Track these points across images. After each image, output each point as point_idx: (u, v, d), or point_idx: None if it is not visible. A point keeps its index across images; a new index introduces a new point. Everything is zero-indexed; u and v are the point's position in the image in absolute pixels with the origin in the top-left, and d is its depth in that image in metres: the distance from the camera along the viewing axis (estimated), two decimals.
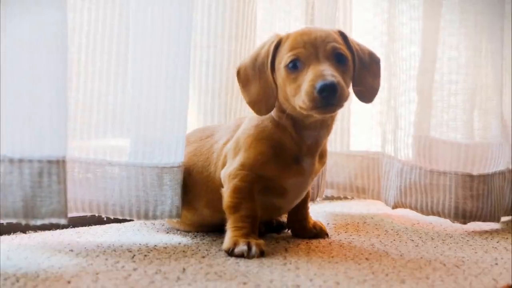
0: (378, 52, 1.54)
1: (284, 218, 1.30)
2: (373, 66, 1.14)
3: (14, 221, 0.98)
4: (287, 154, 1.11)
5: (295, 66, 1.04)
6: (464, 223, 1.40)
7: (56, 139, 1.00)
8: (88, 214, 1.16)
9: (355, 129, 1.66)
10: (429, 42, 1.46)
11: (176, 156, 1.15)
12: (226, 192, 1.11)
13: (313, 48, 1.04)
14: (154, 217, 1.15)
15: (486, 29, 1.45)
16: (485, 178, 1.40)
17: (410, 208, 1.45)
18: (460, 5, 1.45)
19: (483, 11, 1.44)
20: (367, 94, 1.12)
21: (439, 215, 1.42)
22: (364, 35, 1.60)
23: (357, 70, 1.10)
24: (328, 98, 0.99)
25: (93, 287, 0.85)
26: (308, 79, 1.01)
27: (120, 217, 1.16)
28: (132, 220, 1.30)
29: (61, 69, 1.00)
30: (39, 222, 0.99)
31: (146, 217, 1.15)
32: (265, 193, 1.12)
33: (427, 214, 1.43)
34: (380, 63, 1.16)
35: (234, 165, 1.10)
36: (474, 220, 1.40)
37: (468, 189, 1.39)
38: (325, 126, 1.12)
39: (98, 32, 1.15)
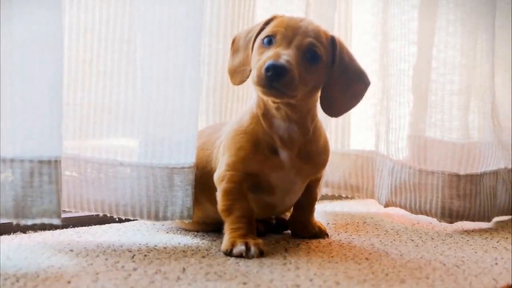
0: (377, 52, 1.56)
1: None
2: (358, 86, 1.13)
3: (5, 220, 0.99)
4: (263, 145, 1.10)
5: (269, 42, 1.06)
6: (451, 222, 1.40)
7: (48, 139, 0.99)
8: (101, 214, 1.16)
9: (353, 129, 1.65)
10: (424, 42, 1.46)
11: (187, 156, 1.15)
12: (218, 196, 1.11)
13: (292, 34, 1.05)
14: (165, 218, 1.15)
15: (479, 29, 1.44)
16: (472, 178, 1.40)
17: (400, 207, 1.46)
18: (456, 5, 1.44)
19: (478, 11, 1.44)
20: (334, 106, 1.12)
21: (427, 214, 1.42)
22: (363, 35, 1.60)
23: (334, 79, 1.09)
24: (272, 79, 0.99)
25: (93, 287, 0.85)
26: (265, 56, 1.02)
27: (132, 218, 1.16)
28: (134, 220, 1.30)
29: (55, 69, 1.00)
30: (29, 222, 0.98)
31: (156, 218, 1.15)
32: (255, 190, 1.12)
33: (416, 213, 1.43)
34: (368, 87, 1.14)
35: (222, 167, 1.11)
36: (461, 219, 1.40)
37: (454, 188, 1.39)
38: (293, 120, 1.10)
39: (109, 31, 1.15)
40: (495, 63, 1.53)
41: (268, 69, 0.99)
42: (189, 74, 1.14)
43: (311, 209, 1.24)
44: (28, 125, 0.98)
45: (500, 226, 1.45)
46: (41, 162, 0.99)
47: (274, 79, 0.99)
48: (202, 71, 1.36)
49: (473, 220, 1.40)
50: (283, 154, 1.11)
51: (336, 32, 1.53)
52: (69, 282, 0.87)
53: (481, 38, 1.45)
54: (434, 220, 1.47)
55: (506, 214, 1.52)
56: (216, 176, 1.12)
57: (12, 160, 0.97)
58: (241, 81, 1.13)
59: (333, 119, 1.58)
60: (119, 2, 1.16)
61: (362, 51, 1.60)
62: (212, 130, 1.25)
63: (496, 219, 1.48)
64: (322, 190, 1.62)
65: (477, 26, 1.44)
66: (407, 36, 1.46)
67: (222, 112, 1.40)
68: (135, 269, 0.95)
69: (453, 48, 1.44)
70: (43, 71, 0.99)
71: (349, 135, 1.63)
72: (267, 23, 1.10)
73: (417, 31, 1.46)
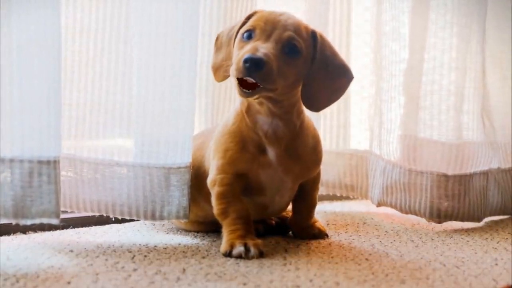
0: (374, 52, 1.55)
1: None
2: (341, 81, 1.12)
3: (4, 221, 0.99)
4: (249, 143, 1.10)
5: (249, 36, 1.06)
6: (439, 222, 1.41)
7: (47, 139, 1.00)
8: (97, 214, 1.17)
9: (352, 129, 1.65)
10: (416, 43, 1.46)
11: (183, 156, 1.15)
12: (212, 200, 1.11)
13: (271, 27, 1.05)
14: (161, 218, 1.16)
15: (471, 29, 1.45)
16: (461, 178, 1.40)
17: (391, 206, 1.46)
18: (449, 7, 1.44)
19: (469, 12, 1.44)
20: (315, 101, 1.10)
21: (416, 214, 1.42)
22: (362, 35, 1.60)
23: (314, 73, 1.08)
24: (250, 71, 0.99)
25: None
26: (245, 50, 1.02)
27: (128, 217, 1.16)
28: (133, 220, 1.30)
29: (54, 69, 1.00)
30: (29, 222, 0.99)
31: (153, 217, 1.15)
32: (246, 192, 1.12)
33: (406, 213, 1.44)
34: (350, 82, 1.13)
35: (213, 171, 1.12)
36: (450, 219, 1.40)
37: (443, 188, 1.39)
38: (277, 116, 1.09)
39: (105, 32, 1.16)
40: (491, 63, 1.54)
41: (246, 61, 0.99)
42: (186, 74, 1.14)
43: (310, 215, 1.24)
44: (27, 125, 0.98)
45: (500, 227, 1.44)
46: (40, 162, 0.99)
47: (252, 71, 0.99)
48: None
49: (462, 220, 1.41)
50: (270, 151, 1.10)
51: (333, 30, 1.53)
52: (69, 282, 0.87)
53: (473, 38, 1.45)
54: None
55: (498, 214, 1.52)
56: (208, 181, 1.12)
57: (11, 160, 0.98)
58: (224, 77, 1.13)
59: (329, 118, 1.58)
60: (115, 2, 1.16)
61: (362, 52, 1.60)
62: (209, 131, 1.25)
63: (487, 219, 1.48)
64: None
65: (468, 27, 1.44)
66: (405, 37, 1.46)
67: (214, 112, 1.40)
68: (135, 270, 0.95)
69: (443, 49, 1.44)
70: (42, 71, 0.99)
71: (345, 134, 1.63)
72: (248, 18, 1.10)
73: (409, 32, 1.46)
